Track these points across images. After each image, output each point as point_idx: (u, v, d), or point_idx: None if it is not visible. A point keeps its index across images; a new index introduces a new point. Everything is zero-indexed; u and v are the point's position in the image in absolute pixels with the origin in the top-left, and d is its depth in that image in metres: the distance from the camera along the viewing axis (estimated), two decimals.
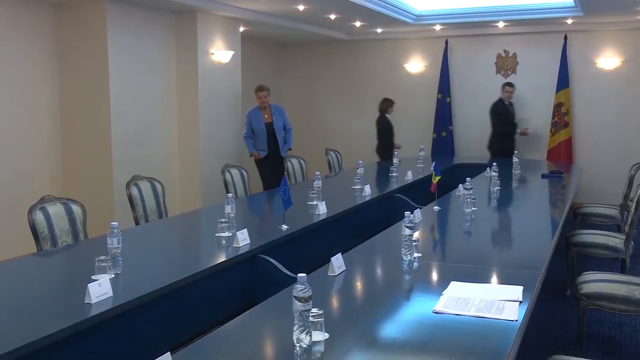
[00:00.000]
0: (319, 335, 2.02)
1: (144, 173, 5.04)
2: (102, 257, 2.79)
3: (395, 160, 6.66)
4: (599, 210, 5.92)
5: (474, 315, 2.27)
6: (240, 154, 7.98)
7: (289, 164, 6.61)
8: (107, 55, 6.16)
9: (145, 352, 2.48)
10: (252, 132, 7.28)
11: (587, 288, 3.58)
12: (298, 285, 1.92)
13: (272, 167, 7.29)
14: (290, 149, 7.59)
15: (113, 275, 2.77)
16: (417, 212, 3.97)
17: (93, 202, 5.64)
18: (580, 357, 2.60)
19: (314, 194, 4.62)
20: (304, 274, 1.95)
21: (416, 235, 3.26)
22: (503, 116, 8.60)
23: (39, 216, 3.54)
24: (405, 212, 2.96)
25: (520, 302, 2.40)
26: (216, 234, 3.61)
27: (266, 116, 7.25)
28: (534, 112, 9.14)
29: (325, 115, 10.52)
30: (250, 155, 7.34)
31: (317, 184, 4.73)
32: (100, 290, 2.47)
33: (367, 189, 5.14)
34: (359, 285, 2.84)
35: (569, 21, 8.40)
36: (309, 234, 3.98)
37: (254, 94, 7.30)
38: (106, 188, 6.27)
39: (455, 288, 2.56)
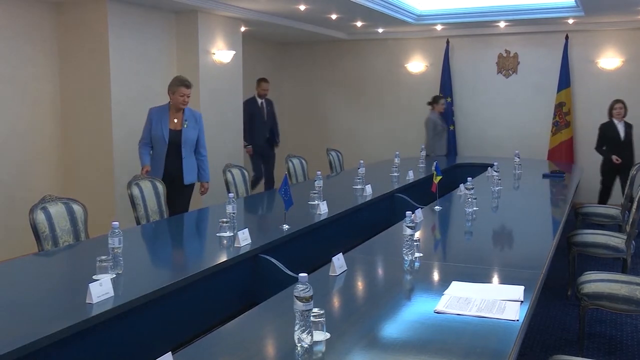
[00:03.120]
0: (320, 335, 2.02)
1: None
2: (103, 257, 2.80)
3: (396, 160, 6.66)
4: (600, 210, 5.91)
5: (475, 315, 2.27)
6: (241, 153, 7.98)
7: (290, 163, 6.60)
8: (108, 54, 6.16)
9: (146, 352, 2.49)
10: (150, 138, 5.22)
11: (588, 288, 3.58)
12: (299, 285, 1.92)
13: (172, 195, 5.01)
14: (206, 184, 5.43)
15: (114, 275, 2.77)
16: (418, 211, 3.97)
17: (94, 202, 5.64)
18: (581, 356, 2.60)
19: (315, 193, 4.62)
20: (305, 274, 1.95)
21: (417, 235, 3.26)
22: None
23: (40, 216, 3.54)
24: (406, 212, 2.95)
25: (522, 302, 2.40)
26: (217, 234, 3.61)
27: (175, 120, 5.19)
28: (535, 112, 9.15)
29: (327, 115, 10.53)
30: (144, 171, 5.02)
31: (318, 183, 4.73)
32: (101, 290, 2.47)
33: (368, 189, 5.14)
34: (360, 285, 2.84)
35: (570, 21, 8.40)
36: (310, 234, 3.98)
37: (171, 88, 5.20)
38: (107, 188, 6.27)
39: (457, 288, 2.56)
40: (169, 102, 5.24)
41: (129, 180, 4.59)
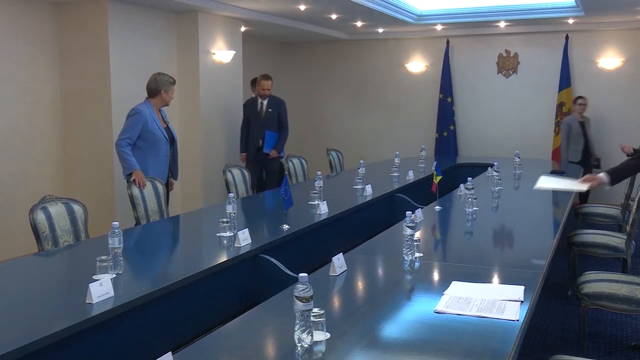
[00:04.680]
0: (320, 335, 2.02)
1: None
2: (104, 257, 2.80)
3: (396, 160, 6.66)
4: (600, 210, 5.91)
5: (475, 315, 2.26)
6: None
7: (290, 163, 6.60)
8: (108, 54, 6.16)
9: (146, 352, 2.49)
10: (136, 138, 4.86)
11: (588, 288, 3.58)
12: (299, 285, 1.92)
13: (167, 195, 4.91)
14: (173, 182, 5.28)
15: (114, 275, 2.77)
16: (418, 211, 3.97)
17: (94, 202, 5.65)
18: (581, 356, 2.59)
19: (315, 193, 4.62)
20: (305, 274, 1.95)
21: (417, 235, 3.26)
22: None
23: (40, 216, 3.54)
24: (407, 212, 2.95)
25: (522, 302, 2.39)
26: (217, 234, 3.61)
27: (159, 118, 5.08)
28: (535, 112, 9.15)
29: (327, 115, 10.53)
30: (132, 178, 4.57)
31: (319, 183, 4.73)
32: (101, 290, 2.47)
33: (369, 189, 5.14)
34: (360, 285, 2.84)
35: (570, 21, 8.40)
36: (310, 234, 3.98)
37: (164, 87, 5.07)
38: (107, 188, 6.27)
39: (457, 288, 2.56)
40: (149, 100, 5.06)
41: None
